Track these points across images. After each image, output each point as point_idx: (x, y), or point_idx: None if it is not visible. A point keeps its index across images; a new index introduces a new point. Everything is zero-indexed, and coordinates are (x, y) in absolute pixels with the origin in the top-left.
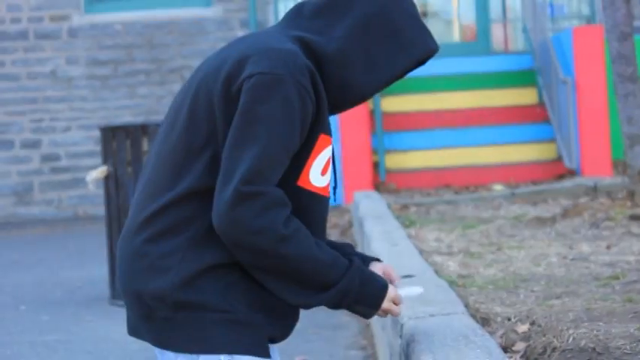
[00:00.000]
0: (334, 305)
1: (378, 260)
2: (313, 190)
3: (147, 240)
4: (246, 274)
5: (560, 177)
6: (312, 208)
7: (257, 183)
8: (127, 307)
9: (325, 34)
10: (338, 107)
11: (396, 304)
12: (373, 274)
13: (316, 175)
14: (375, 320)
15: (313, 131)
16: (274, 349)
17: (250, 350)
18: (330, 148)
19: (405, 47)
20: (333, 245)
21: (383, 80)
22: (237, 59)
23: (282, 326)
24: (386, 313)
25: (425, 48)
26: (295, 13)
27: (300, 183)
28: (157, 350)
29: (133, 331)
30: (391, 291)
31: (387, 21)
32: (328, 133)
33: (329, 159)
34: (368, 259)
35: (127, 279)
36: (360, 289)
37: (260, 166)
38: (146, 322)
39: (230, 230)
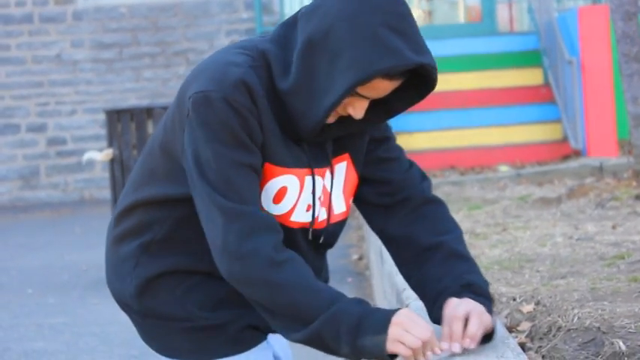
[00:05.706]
0: (320, 339)
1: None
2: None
3: (114, 239)
4: (206, 276)
5: (566, 157)
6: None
7: (234, 200)
8: None
9: (289, 55)
10: (307, 137)
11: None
12: (372, 308)
13: (267, 202)
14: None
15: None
16: (275, 337)
17: (218, 353)
18: (285, 177)
19: (344, 69)
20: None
21: (327, 105)
22: (193, 75)
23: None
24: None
25: (368, 68)
26: (293, 19)
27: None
28: None
29: None
30: (405, 318)
31: (327, 43)
32: (277, 163)
33: (283, 188)
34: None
35: (106, 272)
36: (357, 320)
37: (224, 188)
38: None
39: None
